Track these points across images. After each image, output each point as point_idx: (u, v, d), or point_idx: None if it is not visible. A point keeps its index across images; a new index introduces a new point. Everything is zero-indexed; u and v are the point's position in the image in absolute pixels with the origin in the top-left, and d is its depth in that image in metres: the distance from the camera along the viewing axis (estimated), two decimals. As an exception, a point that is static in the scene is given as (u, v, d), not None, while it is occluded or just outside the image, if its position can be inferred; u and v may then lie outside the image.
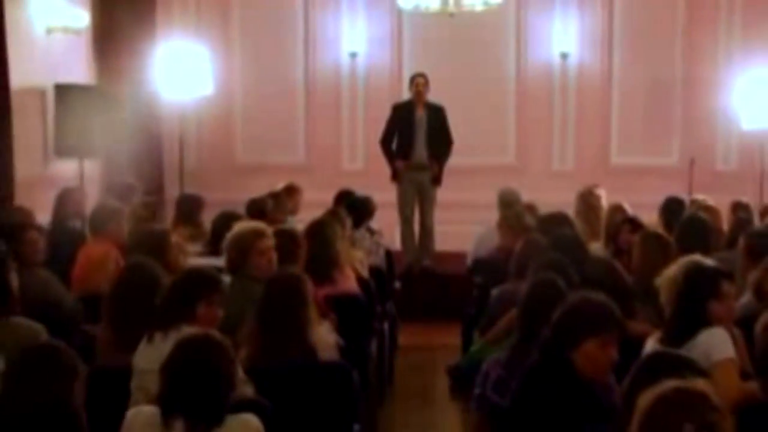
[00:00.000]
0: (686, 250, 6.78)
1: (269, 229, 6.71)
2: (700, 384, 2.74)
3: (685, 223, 7.96)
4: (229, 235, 6.64)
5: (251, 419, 4.07)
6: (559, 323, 4.49)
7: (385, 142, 11.98)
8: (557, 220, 8.45)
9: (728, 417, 2.63)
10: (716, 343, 4.98)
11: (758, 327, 4.35)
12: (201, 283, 5.16)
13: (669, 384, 2.71)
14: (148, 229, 7.53)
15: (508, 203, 10.02)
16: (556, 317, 4.54)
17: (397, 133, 11.92)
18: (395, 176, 11.91)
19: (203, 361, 4.01)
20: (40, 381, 3.32)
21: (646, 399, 2.68)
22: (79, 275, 7.42)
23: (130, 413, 4.13)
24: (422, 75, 11.91)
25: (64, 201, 9.07)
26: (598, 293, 4.76)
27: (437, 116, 11.83)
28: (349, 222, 8.75)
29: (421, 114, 11.84)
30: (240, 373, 4.69)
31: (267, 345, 5.34)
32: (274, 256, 6.48)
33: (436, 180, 11.88)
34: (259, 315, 5.45)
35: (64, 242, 8.38)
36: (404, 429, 8.18)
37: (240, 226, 6.80)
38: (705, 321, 5.09)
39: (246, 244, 6.45)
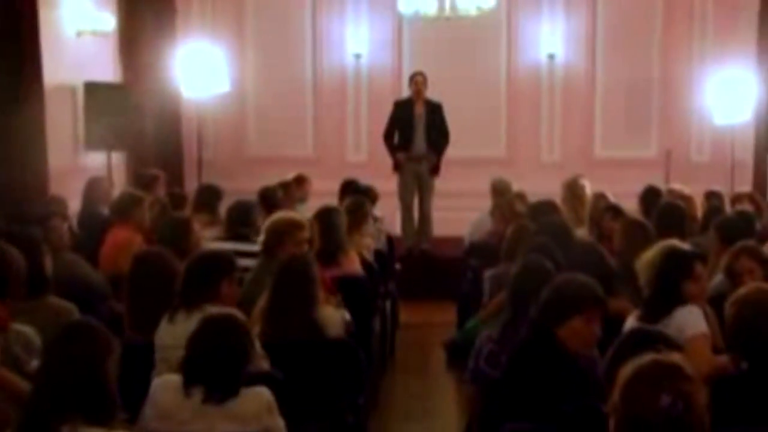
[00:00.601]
0: (663, 234, 6.79)
1: (308, 224, 6.73)
2: (675, 357, 2.75)
3: (662, 210, 7.96)
4: (272, 220, 6.66)
5: (263, 391, 4.10)
6: (547, 302, 4.50)
7: (388, 135, 11.99)
8: (546, 207, 8.46)
9: (702, 388, 2.64)
10: (690, 320, 4.99)
11: (728, 305, 4.35)
12: (223, 263, 5.21)
13: (647, 357, 2.71)
14: (173, 216, 7.55)
15: (501, 192, 10.03)
16: (544, 296, 4.55)
17: (398, 127, 11.94)
18: (396, 167, 11.93)
19: (224, 339, 4.06)
20: (77, 356, 3.33)
21: (626, 372, 2.68)
22: (106, 258, 7.44)
23: (156, 382, 4.18)
24: (421, 74, 11.93)
25: (92, 189, 9.10)
26: (583, 274, 4.78)
27: (435, 112, 11.85)
28: (371, 214, 8.80)
29: (420, 110, 11.86)
30: (258, 348, 4.71)
31: (278, 322, 5.37)
32: (306, 247, 6.49)
33: (434, 170, 11.91)
34: (271, 294, 5.47)
35: (92, 227, 8.42)
36: (404, 399, 8.19)
37: (283, 215, 6.83)
38: (680, 299, 5.10)
39: (284, 232, 6.45)
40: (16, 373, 4.13)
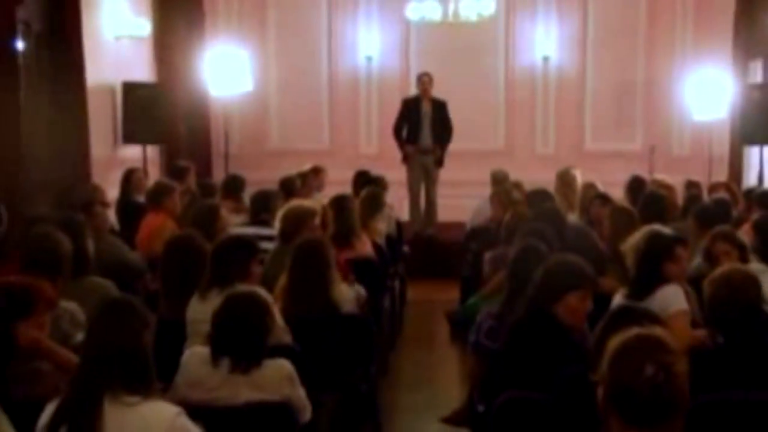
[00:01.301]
0: (648, 220, 6.79)
1: (320, 210, 6.69)
2: (658, 331, 2.75)
3: (646, 199, 7.95)
4: (287, 210, 6.57)
5: (284, 363, 4.12)
6: (545, 280, 4.49)
7: (397, 130, 11.99)
8: (541, 195, 8.46)
9: (682, 359, 2.65)
10: (672, 298, 4.99)
11: (705, 284, 4.35)
12: (251, 245, 5.22)
13: (632, 332, 2.72)
14: (203, 203, 7.55)
15: (499, 181, 10.03)
16: (540, 276, 4.54)
17: (407, 122, 11.93)
18: (405, 159, 11.93)
19: (245, 314, 4.07)
20: (118, 330, 3.35)
21: (613, 344, 2.68)
22: (142, 242, 7.45)
23: (187, 353, 4.19)
24: (427, 74, 11.91)
25: (128, 179, 9.11)
26: (576, 255, 4.78)
27: (440, 109, 11.84)
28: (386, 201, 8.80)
29: (427, 107, 11.85)
30: (281, 322, 4.71)
31: (297, 300, 5.37)
32: (320, 231, 6.47)
33: (439, 162, 11.91)
34: (290, 275, 5.47)
35: (129, 213, 8.44)
36: (412, 368, 8.20)
37: (296, 205, 6.71)
38: (662, 279, 5.10)
39: (300, 221, 6.39)
40: (63, 347, 4.16)
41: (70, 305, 4.54)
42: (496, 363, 4.59)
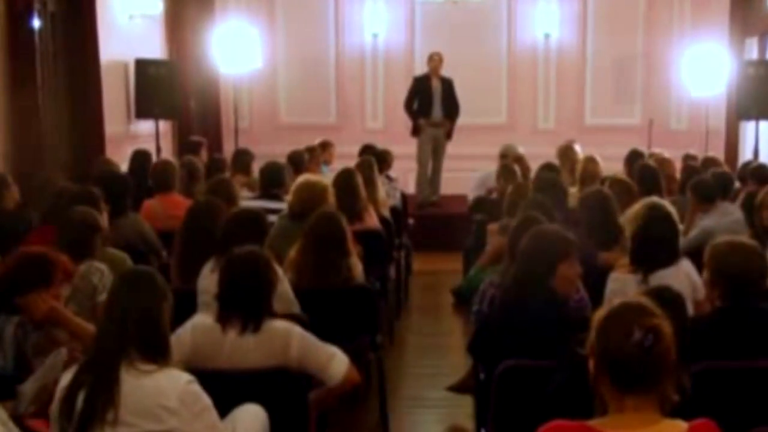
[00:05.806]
0: (643, 193, 6.76)
1: (330, 190, 6.61)
2: (642, 299, 2.76)
3: (640, 171, 7.86)
4: (300, 188, 6.42)
5: (294, 326, 4.13)
6: (536, 255, 4.36)
7: (409, 104, 12.11)
8: (547, 167, 8.46)
9: (667, 322, 2.64)
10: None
11: (713, 252, 4.26)
12: (263, 219, 5.28)
13: (616, 302, 2.73)
14: (221, 179, 7.49)
15: (503, 155, 10.01)
16: (529, 251, 4.41)
17: (418, 98, 12.02)
18: (416, 131, 11.98)
19: (250, 269, 4.09)
20: (138, 298, 3.37)
21: (599, 315, 2.67)
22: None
23: (189, 324, 4.11)
24: (438, 54, 12.01)
25: (148, 162, 8.92)
26: (550, 225, 4.79)
27: (448, 86, 11.97)
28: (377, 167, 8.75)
29: (436, 84, 11.98)
30: (290, 294, 4.69)
31: (315, 272, 5.33)
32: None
33: (448, 135, 12.04)
34: (307, 248, 5.42)
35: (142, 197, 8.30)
36: (417, 337, 8.22)
37: (311, 184, 6.50)
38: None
39: (313, 202, 6.21)
40: (89, 301, 4.22)
41: (101, 265, 4.67)
42: (491, 331, 4.54)
